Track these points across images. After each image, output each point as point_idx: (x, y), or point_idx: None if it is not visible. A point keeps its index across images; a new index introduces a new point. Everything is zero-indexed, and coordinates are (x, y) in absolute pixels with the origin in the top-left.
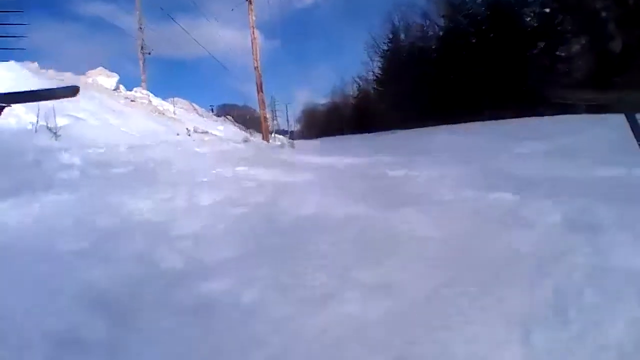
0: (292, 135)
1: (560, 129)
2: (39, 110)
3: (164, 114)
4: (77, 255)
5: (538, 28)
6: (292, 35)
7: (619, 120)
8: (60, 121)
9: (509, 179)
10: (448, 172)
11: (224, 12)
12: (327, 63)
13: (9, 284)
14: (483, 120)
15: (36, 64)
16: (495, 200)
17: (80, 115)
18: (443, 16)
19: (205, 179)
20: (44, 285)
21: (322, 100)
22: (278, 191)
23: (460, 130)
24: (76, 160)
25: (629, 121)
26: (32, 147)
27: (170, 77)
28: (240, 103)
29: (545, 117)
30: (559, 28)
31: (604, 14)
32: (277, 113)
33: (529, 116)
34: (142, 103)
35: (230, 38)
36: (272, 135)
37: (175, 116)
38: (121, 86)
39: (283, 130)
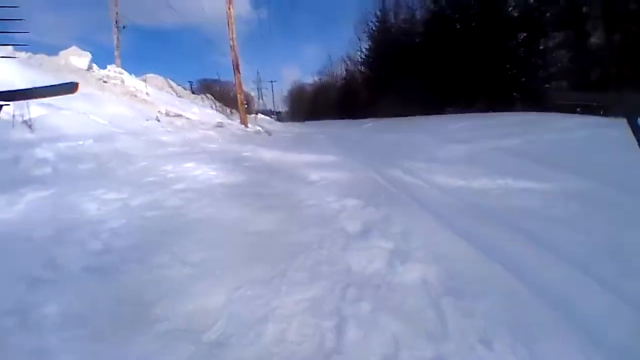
0: (279, 117)
1: (510, 129)
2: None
3: (136, 95)
4: (45, 239)
5: (519, 19)
6: (280, 5)
7: (593, 121)
8: (36, 111)
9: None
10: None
11: None
12: (317, 39)
13: None
14: (458, 110)
15: (10, 47)
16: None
17: (53, 102)
18: None
19: (150, 179)
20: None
21: (310, 79)
22: (189, 199)
23: (423, 122)
24: (49, 155)
25: (630, 125)
26: (10, 142)
27: (147, 50)
28: (222, 78)
29: (509, 114)
30: (540, 19)
31: (585, 9)
32: (264, 91)
33: (504, 108)
34: (114, 84)
35: (214, 6)
36: (257, 116)
37: (147, 98)
38: (94, 65)
39: (270, 110)
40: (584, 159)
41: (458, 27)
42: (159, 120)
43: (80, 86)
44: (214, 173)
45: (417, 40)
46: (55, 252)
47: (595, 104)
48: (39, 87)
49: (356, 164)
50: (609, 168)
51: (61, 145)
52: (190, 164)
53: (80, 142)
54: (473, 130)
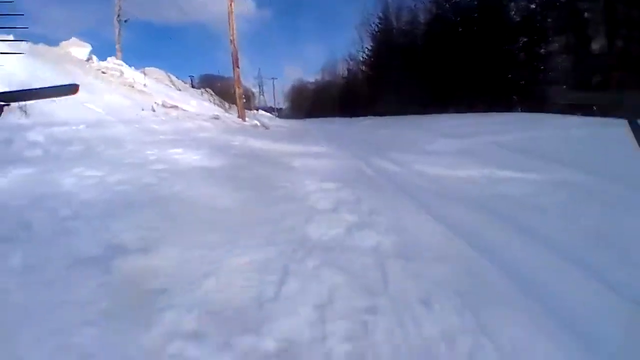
0: (280, 114)
1: (507, 127)
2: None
3: (133, 86)
4: (21, 207)
5: (521, 24)
6: (284, 5)
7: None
8: None
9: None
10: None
11: None
12: (319, 39)
13: None
14: (458, 111)
15: (12, 36)
16: None
17: None
18: (432, 2)
19: (130, 161)
20: None
21: (311, 78)
22: (164, 177)
23: (421, 120)
24: (40, 139)
25: (630, 126)
26: (5, 126)
27: (149, 44)
28: (224, 74)
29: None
30: (542, 24)
31: (587, 14)
32: (265, 88)
33: (504, 110)
34: (112, 75)
35: (218, 3)
36: (257, 112)
37: (145, 89)
38: (94, 57)
39: (270, 107)
40: (579, 153)
41: (460, 30)
42: (154, 111)
43: (79, 77)
44: (196, 157)
45: (419, 42)
46: (29, 217)
47: (594, 104)
48: (41, 88)
49: (345, 154)
50: (603, 163)
51: (54, 129)
52: (175, 149)
53: (73, 128)
54: (469, 127)
